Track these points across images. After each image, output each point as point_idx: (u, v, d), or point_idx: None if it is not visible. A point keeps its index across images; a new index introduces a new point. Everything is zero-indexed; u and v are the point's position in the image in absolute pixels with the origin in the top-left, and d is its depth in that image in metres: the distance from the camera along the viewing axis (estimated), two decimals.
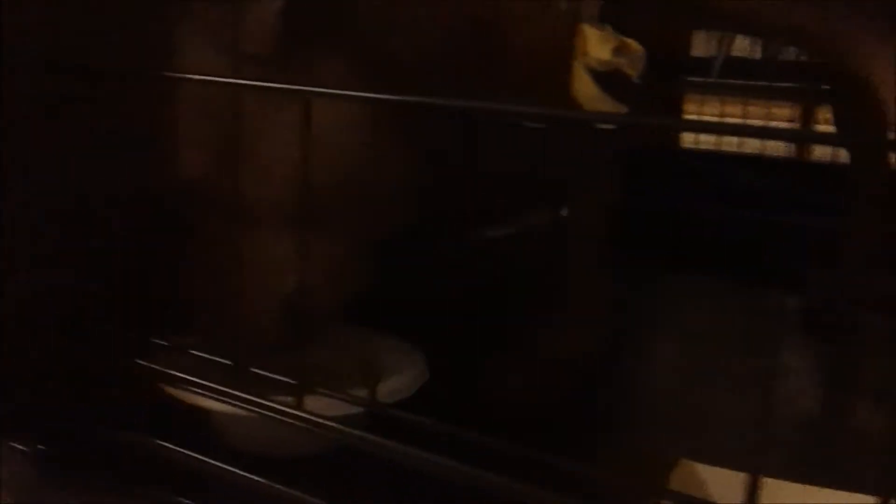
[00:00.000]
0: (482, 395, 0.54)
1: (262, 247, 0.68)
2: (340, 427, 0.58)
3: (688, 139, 1.56)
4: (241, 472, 0.61)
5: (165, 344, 0.68)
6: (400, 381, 0.69)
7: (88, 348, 0.70)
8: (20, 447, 0.71)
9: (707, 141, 1.57)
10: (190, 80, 0.60)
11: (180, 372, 0.65)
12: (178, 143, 0.67)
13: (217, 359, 0.63)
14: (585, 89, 0.64)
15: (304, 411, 0.59)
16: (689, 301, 1.09)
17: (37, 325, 0.71)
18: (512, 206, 1.11)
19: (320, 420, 0.58)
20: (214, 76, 0.61)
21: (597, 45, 0.63)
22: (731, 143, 1.58)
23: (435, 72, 0.65)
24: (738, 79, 1.64)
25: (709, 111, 1.66)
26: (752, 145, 1.53)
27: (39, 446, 0.71)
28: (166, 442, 0.65)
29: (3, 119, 0.67)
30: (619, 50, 0.63)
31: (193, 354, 0.65)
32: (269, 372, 0.62)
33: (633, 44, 0.62)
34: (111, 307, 0.72)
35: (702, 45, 1.77)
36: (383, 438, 0.56)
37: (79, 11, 0.67)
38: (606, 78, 0.64)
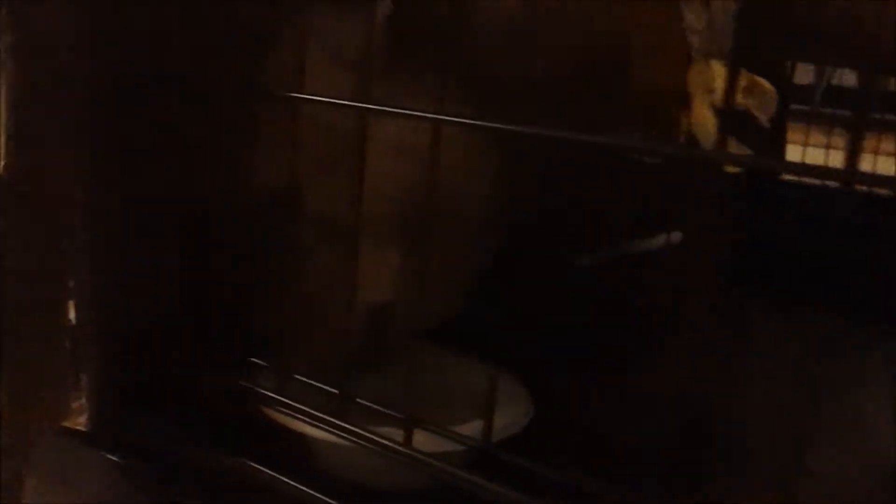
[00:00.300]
0: (587, 432, 0.51)
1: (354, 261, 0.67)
2: (450, 468, 0.56)
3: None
4: None
5: (263, 364, 0.66)
6: (506, 417, 0.66)
7: (188, 366, 0.69)
8: (114, 458, 0.70)
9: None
10: (313, 101, 0.58)
11: (279, 394, 0.64)
12: (275, 155, 0.66)
13: (323, 386, 0.61)
14: (707, 127, 0.62)
15: (411, 447, 0.57)
16: (800, 338, 1.05)
17: (138, 342, 0.70)
18: (623, 235, 1.09)
19: (428, 459, 0.56)
20: (327, 92, 0.59)
21: (725, 82, 0.60)
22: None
23: (549, 101, 0.63)
24: (843, 108, 1.60)
25: (814, 141, 1.61)
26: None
27: (133, 460, 0.70)
28: (262, 466, 0.64)
29: (115, 135, 0.67)
30: (748, 90, 0.60)
31: (295, 377, 0.63)
32: (371, 400, 0.60)
33: (764, 83, 0.59)
34: (209, 325, 0.71)
35: (804, 72, 1.73)
36: (491, 481, 0.54)
37: (181, 25, 0.67)
38: (731, 117, 0.61)
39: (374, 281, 0.68)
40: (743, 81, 0.59)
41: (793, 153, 1.59)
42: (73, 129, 0.64)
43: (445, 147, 0.55)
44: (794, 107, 1.56)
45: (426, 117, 0.53)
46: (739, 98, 0.59)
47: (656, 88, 0.64)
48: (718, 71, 0.61)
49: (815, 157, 1.56)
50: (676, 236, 1.15)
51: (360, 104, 0.56)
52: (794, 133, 1.58)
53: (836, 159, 1.67)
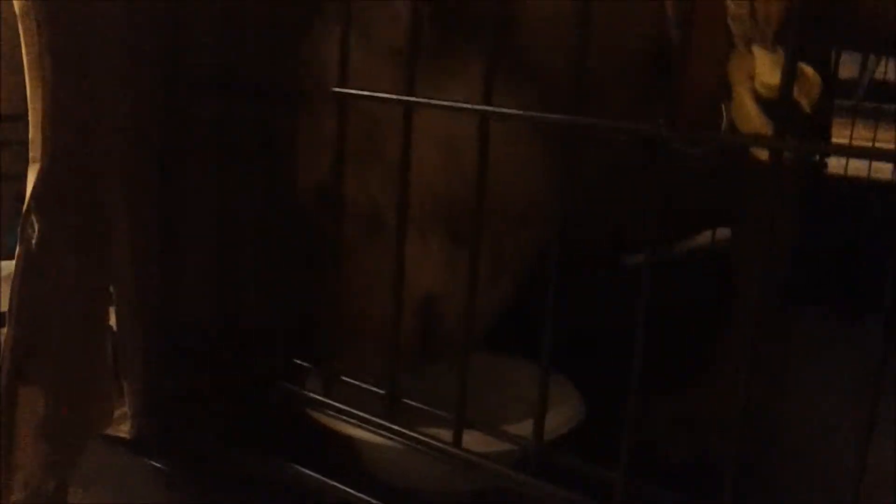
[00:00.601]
0: (640, 435, 0.50)
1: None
2: (500, 468, 0.54)
3: (835, 166, 1.48)
4: None
5: (306, 365, 0.65)
6: (557, 417, 0.65)
7: (232, 370, 0.68)
8: (158, 465, 0.69)
9: (858, 167, 1.49)
10: (363, 96, 0.57)
11: (325, 397, 0.63)
12: (320, 151, 0.65)
13: (370, 387, 0.60)
14: (750, 116, 0.60)
15: (461, 449, 0.56)
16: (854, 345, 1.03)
17: (181, 348, 0.70)
18: (675, 234, 1.07)
19: (479, 459, 0.55)
20: (371, 83, 0.59)
21: (768, 69, 0.58)
22: (883, 171, 1.51)
23: (602, 95, 0.62)
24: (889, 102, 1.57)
25: (859, 136, 1.58)
26: None
27: (177, 467, 0.69)
28: (309, 469, 0.63)
29: (176, 138, 0.66)
30: None
31: (343, 379, 0.62)
32: (418, 400, 0.59)
33: (808, 69, 0.57)
34: (252, 329, 0.70)
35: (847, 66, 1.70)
36: (542, 480, 0.53)
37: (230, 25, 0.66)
38: (774, 105, 0.59)
39: (421, 275, 0.66)
40: None
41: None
42: (117, 132, 0.64)
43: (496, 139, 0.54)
44: (838, 102, 1.52)
45: (473, 109, 0.51)
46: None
47: (698, 77, 0.63)
48: (761, 58, 0.59)
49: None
50: (723, 233, 1.13)
51: (405, 98, 0.55)
52: (839, 128, 1.55)
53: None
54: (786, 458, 0.80)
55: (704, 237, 1.14)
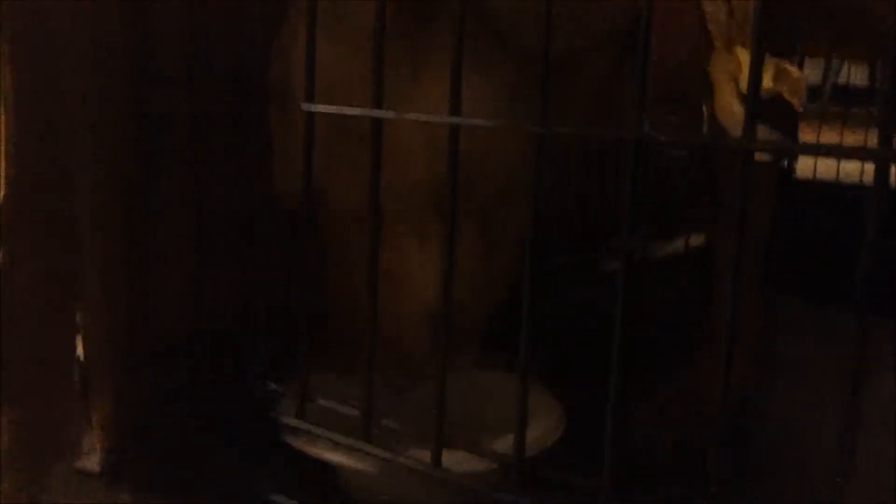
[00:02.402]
0: (622, 440, 0.49)
1: (404, 261, 0.64)
2: (481, 488, 0.53)
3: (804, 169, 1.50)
4: None
5: (277, 389, 0.64)
6: (538, 431, 0.64)
7: (205, 397, 0.67)
8: (127, 498, 0.68)
9: (828, 171, 1.51)
10: (331, 112, 0.56)
11: (299, 419, 0.61)
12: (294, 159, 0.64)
13: (343, 409, 0.59)
14: (733, 115, 0.59)
15: (440, 468, 0.54)
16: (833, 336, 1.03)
17: (151, 375, 0.68)
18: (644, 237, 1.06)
19: (459, 479, 0.54)
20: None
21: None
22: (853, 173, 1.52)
23: (578, 67, 0.61)
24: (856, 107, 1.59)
25: (826, 139, 1.60)
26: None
27: (148, 499, 0.68)
28: (286, 496, 0.61)
29: (147, 140, 0.64)
30: (777, 76, 0.57)
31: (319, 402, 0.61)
32: (398, 418, 0.57)
33: (792, 69, 0.57)
34: (225, 351, 0.68)
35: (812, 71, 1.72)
36: (526, 497, 0.51)
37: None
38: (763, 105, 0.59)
39: (425, 280, 0.65)
40: (771, 67, 0.57)
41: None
42: (84, 144, 0.62)
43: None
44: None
45: (442, 122, 0.50)
46: (770, 84, 0.57)
47: (678, 77, 0.62)
48: (744, 58, 0.58)
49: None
50: (697, 239, 1.13)
51: (373, 114, 0.53)
52: (806, 133, 1.57)
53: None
54: (768, 443, 0.79)
55: (678, 242, 1.13)
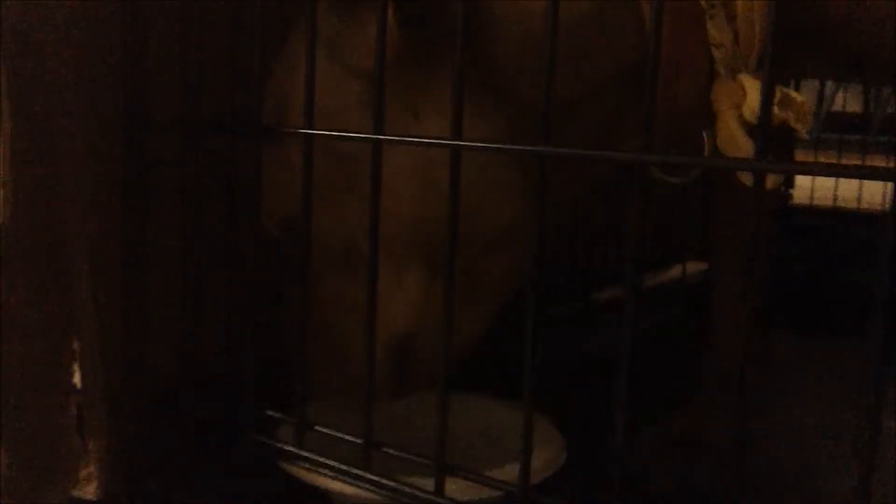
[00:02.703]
0: (627, 468, 0.48)
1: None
2: None
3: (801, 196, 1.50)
4: None
5: (277, 416, 0.63)
6: (541, 460, 0.63)
7: (202, 422, 0.66)
8: None
9: (824, 197, 1.51)
10: (330, 136, 0.56)
11: (299, 447, 0.60)
12: (290, 183, 0.63)
13: (344, 436, 0.58)
14: (736, 140, 0.59)
15: (444, 496, 0.54)
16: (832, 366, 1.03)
17: (148, 403, 0.67)
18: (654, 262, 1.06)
19: None
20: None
21: (759, 97, 0.58)
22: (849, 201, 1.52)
23: (575, 120, 0.61)
24: (851, 134, 1.60)
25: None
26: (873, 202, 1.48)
27: None
28: None
29: (138, 182, 0.64)
30: (783, 102, 0.57)
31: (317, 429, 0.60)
32: (396, 446, 0.57)
33: (796, 95, 0.57)
34: (222, 380, 0.68)
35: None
36: None
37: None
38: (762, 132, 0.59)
39: (396, 311, 0.65)
40: (777, 94, 0.57)
41: (803, 181, 1.58)
42: (78, 183, 0.62)
43: (470, 163, 0.53)
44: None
45: (445, 144, 0.50)
46: (776, 111, 0.56)
47: (679, 105, 0.62)
48: (751, 86, 0.58)
49: (824, 182, 1.55)
50: (694, 267, 1.13)
51: (373, 136, 0.53)
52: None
53: (845, 185, 1.66)
54: (770, 471, 0.79)
55: (675, 271, 1.13)
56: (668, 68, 0.60)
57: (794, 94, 0.56)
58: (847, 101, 2.08)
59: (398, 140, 0.54)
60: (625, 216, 0.51)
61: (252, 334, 0.63)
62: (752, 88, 0.57)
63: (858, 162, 1.60)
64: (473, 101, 0.53)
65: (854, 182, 1.70)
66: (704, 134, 0.59)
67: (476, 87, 0.56)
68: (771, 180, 0.57)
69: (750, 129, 0.58)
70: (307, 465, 0.60)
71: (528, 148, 0.49)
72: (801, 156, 1.58)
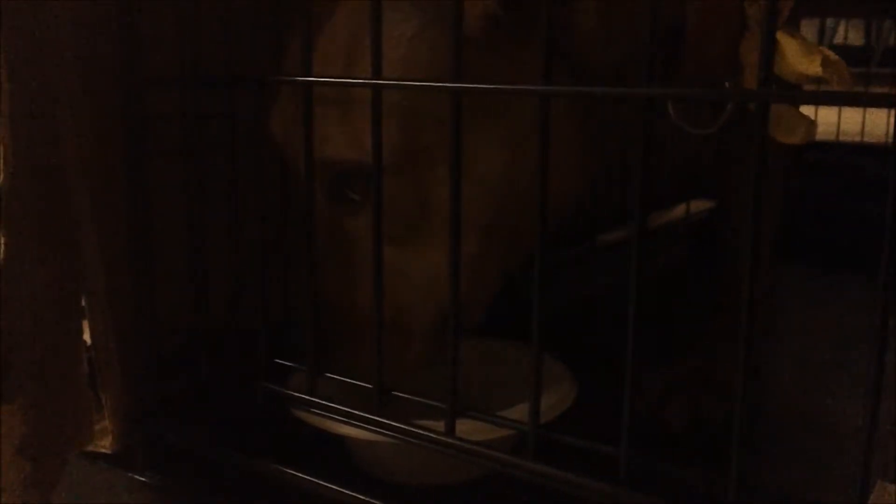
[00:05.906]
0: (636, 411, 0.48)
1: (422, 256, 0.64)
2: (500, 455, 0.53)
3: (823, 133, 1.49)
4: None
5: (289, 364, 0.63)
6: (551, 399, 0.63)
7: (214, 372, 0.66)
8: (142, 479, 0.67)
9: (827, 132, 1.50)
10: (327, 83, 0.56)
11: (312, 395, 0.61)
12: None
13: (356, 382, 0.58)
14: (797, 54, 0.58)
15: (455, 437, 0.54)
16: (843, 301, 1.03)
17: (160, 355, 0.68)
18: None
19: (475, 447, 0.54)
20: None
21: (799, 57, 0.57)
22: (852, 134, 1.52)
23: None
24: (853, 66, 1.59)
25: None
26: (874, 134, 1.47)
27: (162, 478, 0.67)
28: (299, 470, 0.61)
29: (140, 137, 0.64)
30: (825, 63, 0.56)
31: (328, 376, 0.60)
32: (406, 391, 0.57)
33: (832, 54, 0.56)
34: (234, 327, 0.68)
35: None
36: (538, 462, 0.51)
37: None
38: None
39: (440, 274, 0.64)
40: (819, 55, 0.56)
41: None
42: (79, 137, 0.62)
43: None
44: None
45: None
46: (818, 70, 0.56)
47: (710, 57, 0.62)
48: (788, 44, 0.57)
49: (827, 117, 1.54)
50: (699, 206, 1.12)
51: (372, 81, 0.53)
52: None
53: (848, 118, 1.65)
54: (779, 410, 0.79)
55: (679, 209, 1.13)
56: (702, 21, 0.60)
57: (829, 52, 0.56)
58: (849, 34, 2.06)
59: (395, 84, 0.53)
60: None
61: (263, 284, 0.63)
62: (792, 48, 0.57)
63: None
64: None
65: (857, 115, 1.70)
66: (727, 85, 0.59)
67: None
68: (800, 135, 0.58)
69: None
70: (320, 412, 0.60)
71: (530, 87, 0.49)
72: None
